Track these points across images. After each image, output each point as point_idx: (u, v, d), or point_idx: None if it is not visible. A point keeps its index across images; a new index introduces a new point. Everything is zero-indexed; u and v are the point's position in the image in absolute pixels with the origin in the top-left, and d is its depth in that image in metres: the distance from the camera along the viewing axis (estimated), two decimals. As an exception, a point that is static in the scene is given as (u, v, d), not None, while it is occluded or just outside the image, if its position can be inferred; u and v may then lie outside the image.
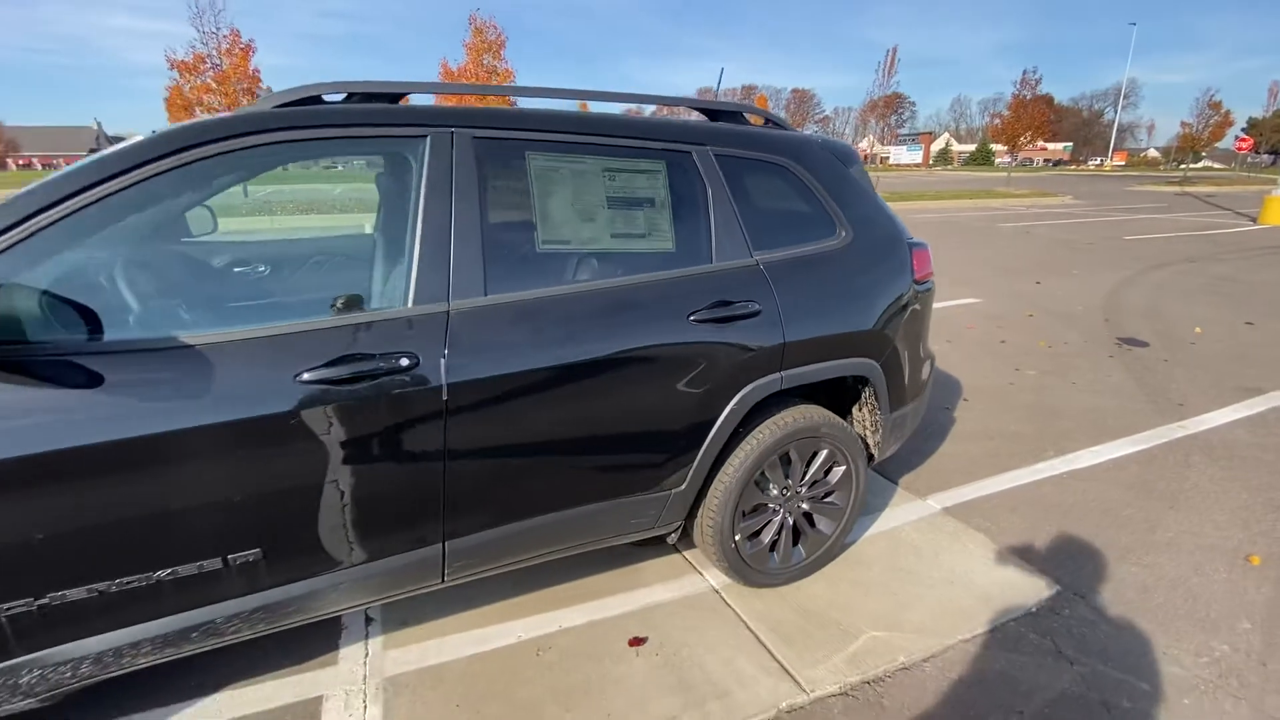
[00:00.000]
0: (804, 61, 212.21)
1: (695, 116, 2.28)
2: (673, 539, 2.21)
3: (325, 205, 15.34)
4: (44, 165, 75.65)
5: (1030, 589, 2.25)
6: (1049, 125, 31.49)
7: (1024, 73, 34.24)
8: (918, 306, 2.36)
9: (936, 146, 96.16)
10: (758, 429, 2.05)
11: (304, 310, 1.55)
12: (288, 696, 1.82)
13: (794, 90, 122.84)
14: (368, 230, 2.50)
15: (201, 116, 1.40)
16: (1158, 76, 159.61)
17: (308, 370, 1.41)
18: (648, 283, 1.82)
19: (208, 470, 1.37)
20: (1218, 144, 54.00)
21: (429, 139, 1.60)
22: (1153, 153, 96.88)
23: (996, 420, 3.73)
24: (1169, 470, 3.11)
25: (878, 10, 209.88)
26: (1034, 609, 2.16)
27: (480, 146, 1.64)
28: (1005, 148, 34.37)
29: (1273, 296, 6.88)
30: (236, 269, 2.09)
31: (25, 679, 1.37)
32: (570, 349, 1.68)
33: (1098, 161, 75.89)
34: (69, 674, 1.41)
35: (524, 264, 1.70)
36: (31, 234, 1.27)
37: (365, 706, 1.78)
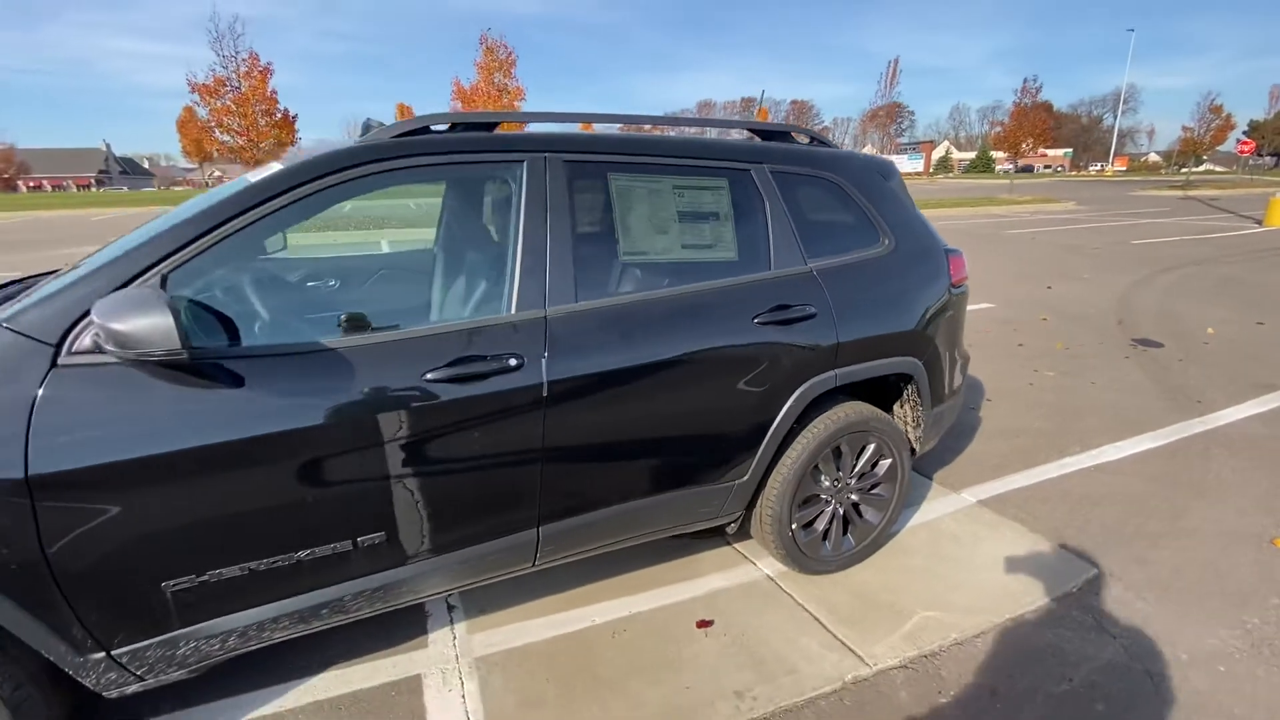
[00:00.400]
0: (801, 72, 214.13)
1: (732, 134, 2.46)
2: (732, 529, 2.37)
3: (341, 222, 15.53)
4: (54, 187, 76.69)
5: (1069, 571, 2.40)
6: (1050, 132, 31.80)
7: (1025, 81, 34.64)
8: (954, 309, 2.53)
9: (937, 154, 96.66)
10: (813, 423, 2.21)
11: (419, 318, 1.72)
12: (388, 676, 1.97)
13: (793, 101, 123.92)
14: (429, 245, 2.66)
15: (326, 145, 1.54)
16: (1156, 81, 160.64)
17: (432, 370, 1.58)
18: (716, 289, 1.99)
19: (346, 460, 1.54)
20: (1219, 147, 54.34)
21: (526, 163, 1.78)
22: (1153, 157, 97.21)
23: (1021, 419, 3.88)
24: (1191, 463, 3.25)
25: (875, 21, 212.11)
26: (1074, 589, 2.30)
27: (569, 169, 1.82)
28: (1006, 155, 34.68)
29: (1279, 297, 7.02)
30: (349, 281, 2.26)
31: (182, 650, 1.53)
32: (650, 349, 1.84)
33: (1099, 167, 76.29)
34: (218, 646, 1.57)
35: (608, 273, 1.87)
36: (199, 252, 1.45)
37: (462, 683, 1.93)
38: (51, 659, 1.40)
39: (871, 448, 2.38)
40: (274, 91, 14.84)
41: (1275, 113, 57.12)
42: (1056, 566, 2.44)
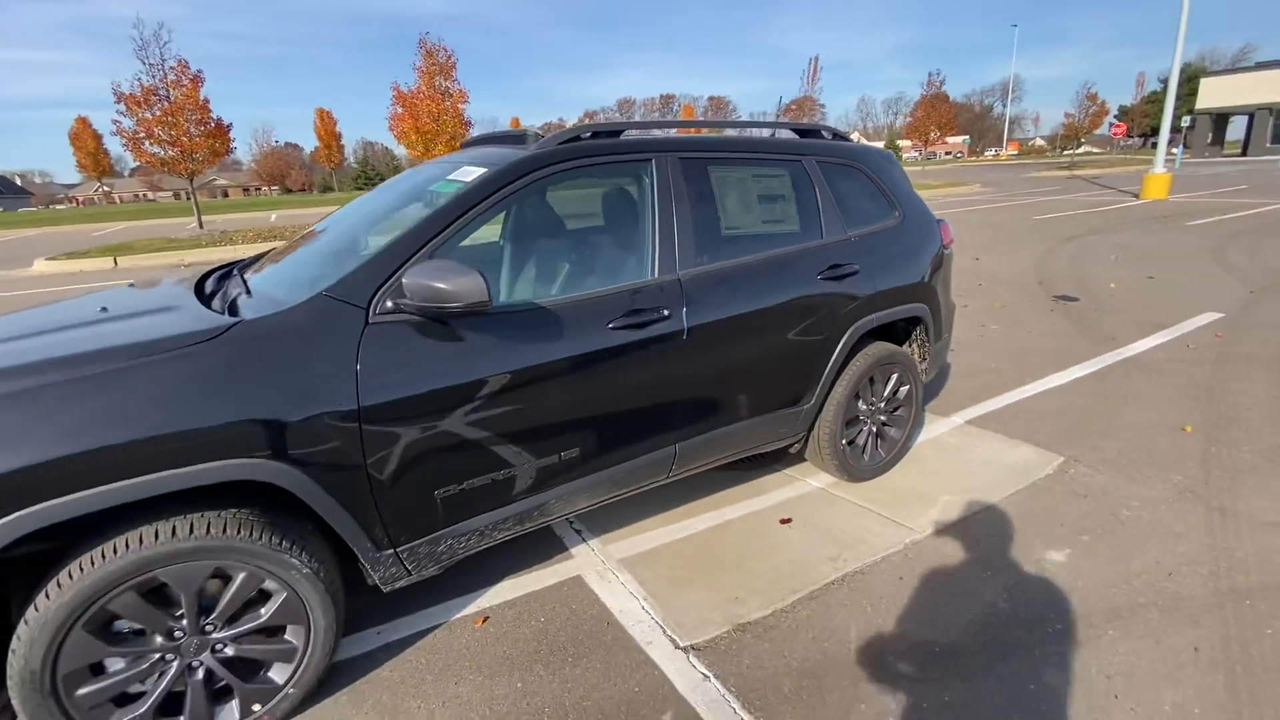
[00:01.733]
0: (715, 69, 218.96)
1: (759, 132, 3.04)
2: (795, 448, 2.95)
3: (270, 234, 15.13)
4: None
5: (1044, 461, 3.13)
6: (953, 121, 34.48)
7: (930, 74, 37.29)
8: (945, 265, 3.21)
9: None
10: (856, 358, 2.83)
11: (600, 282, 2.20)
12: (554, 579, 2.44)
13: (710, 98, 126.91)
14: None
15: (499, 157, 1.93)
16: (1037, 71, 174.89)
17: (613, 321, 2.08)
18: (789, 253, 2.57)
19: (557, 389, 2.01)
20: (1096, 131, 60.34)
21: (653, 161, 2.29)
22: (1039, 141, 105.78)
23: (981, 361, 4.68)
24: (1116, 382, 4.11)
25: (781, 19, 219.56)
26: (1051, 471, 3.03)
27: (683, 165, 2.35)
28: (912, 143, 37.31)
29: (1163, 257, 8.32)
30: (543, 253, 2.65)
31: (440, 548, 1.96)
32: (751, 300, 2.40)
33: (994, 152, 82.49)
34: (462, 545, 2.01)
35: (716, 243, 2.41)
36: (450, 235, 1.88)
37: (616, 576, 2.43)
38: (358, 553, 1.81)
39: (895, 377, 3.03)
40: (206, 100, 14.30)
41: (1140, 98, 64.01)
42: (1034, 458, 3.17)
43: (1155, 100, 60.10)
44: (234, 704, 1.73)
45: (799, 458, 3.13)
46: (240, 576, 1.64)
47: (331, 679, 1.93)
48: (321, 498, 1.68)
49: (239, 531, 1.60)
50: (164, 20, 13.57)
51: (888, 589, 2.28)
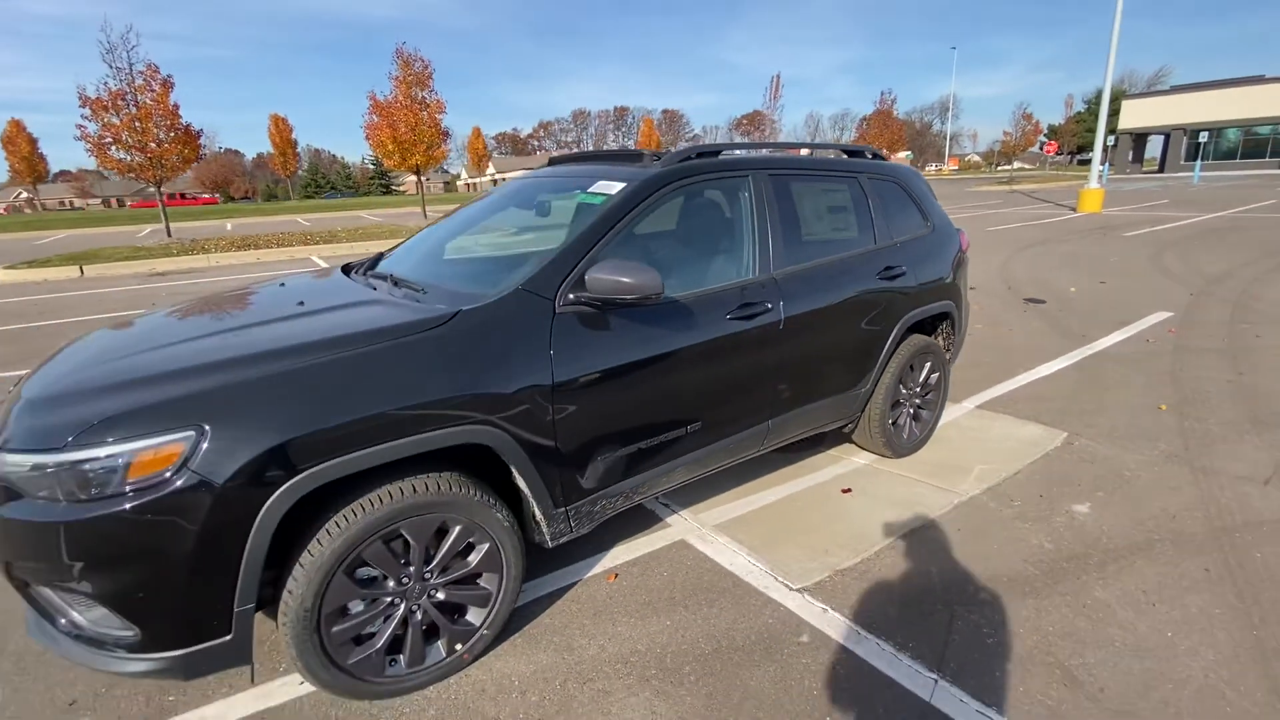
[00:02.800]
0: (669, 83, 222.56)
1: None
2: (849, 429, 3.36)
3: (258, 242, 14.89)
4: None
5: (1051, 436, 3.64)
6: (904, 138, 36.37)
7: (882, 94, 39.15)
8: (963, 268, 3.70)
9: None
10: (901, 347, 3.26)
11: (715, 279, 2.55)
12: (662, 542, 2.76)
13: (664, 111, 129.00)
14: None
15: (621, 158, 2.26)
16: (972, 90, 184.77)
17: (729, 312, 2.44)
18: (854, 255, 2.99)
19: (689, 369, 2.35)
20: (1030, 148, 64.58)
21: (750, 178, 2.67)
22: (975, 158, 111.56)
23: (976, 356, 5.23)
24: (1095, 371, 4.71)
25: (732, 36, 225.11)
26: (1059, 444, 3.53)
27: (773, 180, 2.74)
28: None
29: (1110, 264, 9.22)
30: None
31: (596, 508, 2.27)
32: (828, 295, 2.80)
33: (935, 167, 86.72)
34: (611, 506, 2.32)
35: (798, 247, 2.79)
36: (609, 240, 2.21)
37: (715, 539, 2.77)
38: (538, 511, 2.10)
39: (929, 365, 3.48)
40: (176, 105, 13.92)
41: (1068, 118, 68.81)
42: (1042, 434, 3.68)
43: (1081, 120, 64.62)
44: (440, 644, 1.99)
45: (837, 441, 3.55)
46: (456, 529, 1.92)
47: (506, 625, 2.21)
48: (522, 460, 1.98)
49: (460, 490, 1.89)
50: (96, 18, 13.08)
51: (951, 539, 2.70)
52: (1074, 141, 62.89)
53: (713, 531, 2.83)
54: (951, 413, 4.08)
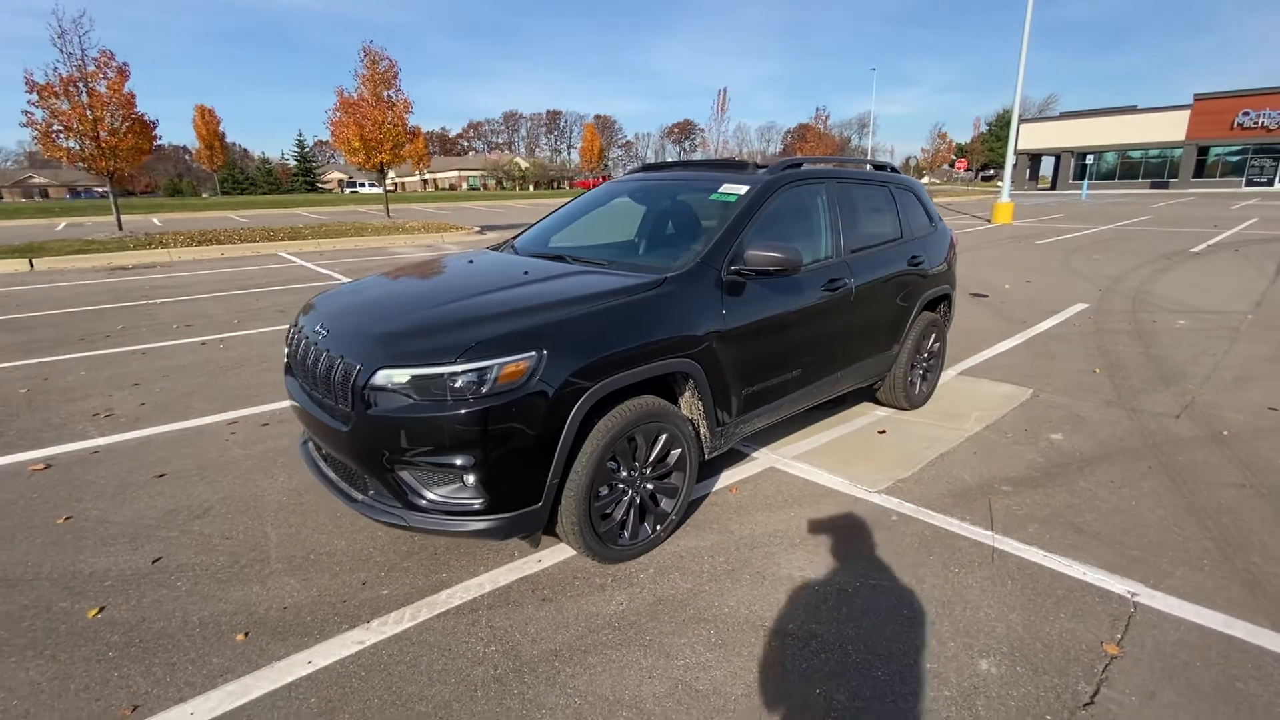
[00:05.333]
0: (601, 88, 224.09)
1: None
2: (878, 386, 4.24)
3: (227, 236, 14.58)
4: None
5: (1021, 392, 4.67)
6: (837, 152, 38.93)
7: (817, 109, 41.66)
8: (955, 260, 4.69)
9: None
10: (919, 319, 4.18)
11: (810, 258, 3.34)
12: (757, 469, 3.52)
13: (596, 116, 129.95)
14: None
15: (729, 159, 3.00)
16: (886, 108, 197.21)
17: (822, 284, 3.25)
18: (891, 246, 3.88)
19: (799, 326, 3.14)
20: (944, 165, 70.36)
21: (825, 184, 3.50)
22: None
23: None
24: (1040, 348, 5.86)
25: (662, 45, 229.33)
26: (1028, 398, 4.56)
27: (839, 186, 3.58)
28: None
29: (1031, 267, 10.76)
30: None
31: (737, 430, 3.01)
32: (881, 273, 3.67)
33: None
34: (743, 430, 3.06)
35: (858, 236, 3.64)
36: (748, 229, 2.96)
37: (796, 465, 3.56)
38: (705, 428, 2.82)
39: (934, 335, 4.43)
40: (131, 94, 13.31)
41: (973, 138, 75.43)
42: (1015, 391, 4.71)
43: (985, 140, 70.69)
44: (646, 525, 2.68)
45: (857, 401, 4.44)
46: (664, 437, 2.61)
47: (683, 516, 2.91)
48: (704, 386, 2.70)
49: (670, 407, 2.59)
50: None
51: (971, 459, 3.61)
52: (979, 160, 69.03)
53: (791, 462, 3.62)
54: (941, 378, 5.06)
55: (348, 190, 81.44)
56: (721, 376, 2.78)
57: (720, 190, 3.22)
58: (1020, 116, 21.73)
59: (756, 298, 2.92)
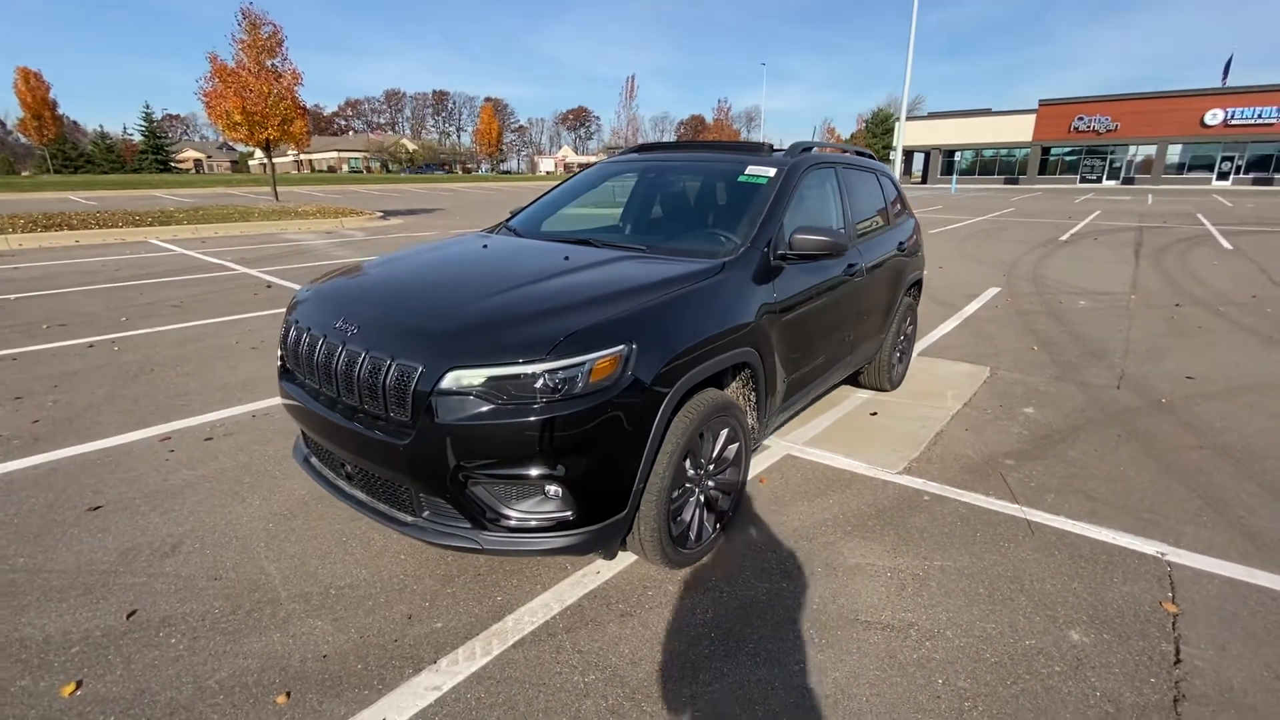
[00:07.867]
0: (492, 70, 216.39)
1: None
2: (865, 369, 4.36)
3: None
4: None
5: (981, 371, 4.99)
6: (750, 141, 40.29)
7: (719, 101, 42.58)
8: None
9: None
10: (905, 299, 4.33)
11: None
12: (779, 456, 3.49)
13: (488, 99, 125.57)
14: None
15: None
16: (772, 103, 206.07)
17: (842, 267, 3.25)
18: (884, 230, 3.96)
19: (828, 307, 3.12)
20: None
21: (835, 168, 3.49)
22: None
23: (891, 321, 6.62)
24: (976, 328, 6.31)
25: (554, 30, 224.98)
26: (989, 375, 4.88)
27: (846, 171, 3.59)
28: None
29: (936, 252, 11.61)
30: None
31: (778, 418, 2.95)
32: (879, 255, 3.75)
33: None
34: (783, 418, 3.01)
35: (859, 220, 3.68)
36: (788, 210, 2.88)
37: (811, 450, 3.57)
38: (755, 418, 2.73)
39: (909, 319, 4.61)
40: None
41: (854, 133, 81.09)
42: (975, 370, 5.02)
43: (865, 137, 76.02)
44: (707, 525, 2.54)
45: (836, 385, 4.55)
46: (725, 431, 2.49)
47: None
48: (760, 374, 2.60)
49: (733, 399, 2.47)
50: None
51: (964, 434, 3.78)
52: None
53: (804, 448, 3.63)
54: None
55: (203, 173, 72.93)
56: (772, 365, 2.70)
57: (747, 173, 3.11)
58: (896, 116, 23.47)
59: (796, 282, 2.86)
